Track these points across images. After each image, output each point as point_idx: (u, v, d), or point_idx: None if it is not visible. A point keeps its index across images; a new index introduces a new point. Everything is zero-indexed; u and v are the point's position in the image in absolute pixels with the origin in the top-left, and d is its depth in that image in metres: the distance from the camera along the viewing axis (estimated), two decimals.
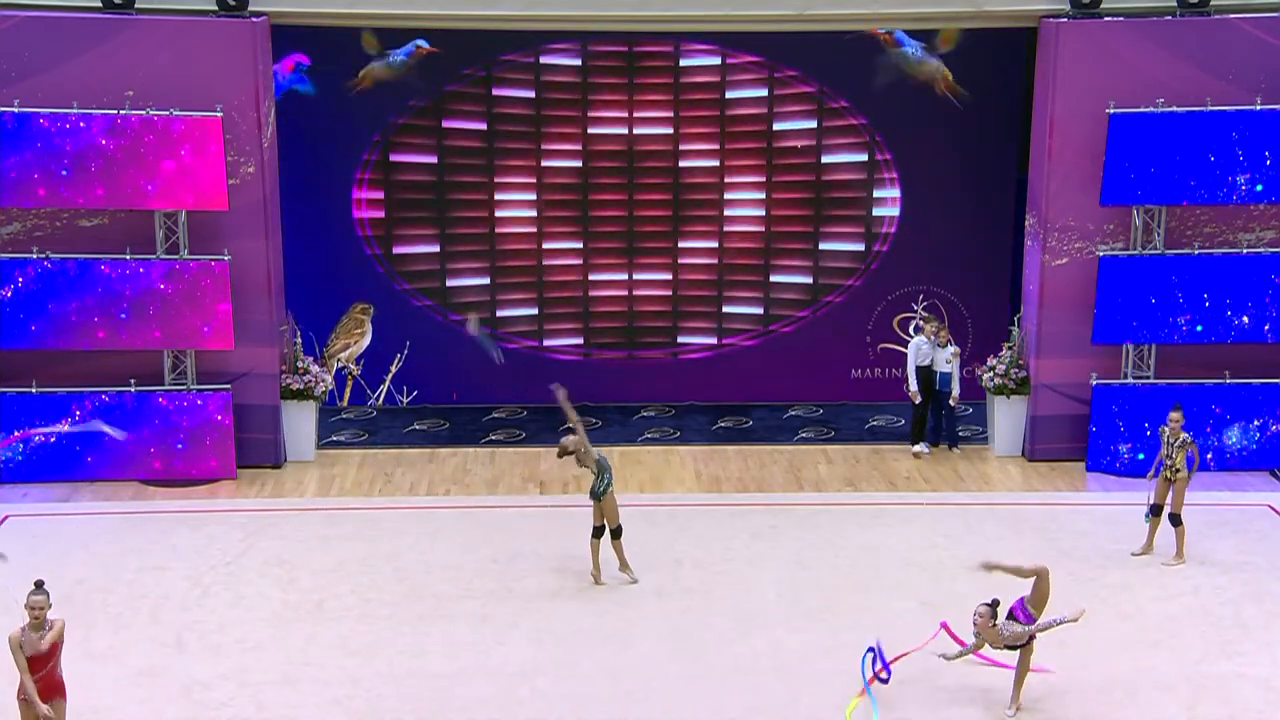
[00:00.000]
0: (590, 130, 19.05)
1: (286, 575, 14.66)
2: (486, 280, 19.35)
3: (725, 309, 19.57)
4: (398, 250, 19.16)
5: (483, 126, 18.93)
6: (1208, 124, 16.55)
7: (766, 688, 12.53)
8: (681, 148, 19.12)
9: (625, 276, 19.48)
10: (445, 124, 18.89)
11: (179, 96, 16.27)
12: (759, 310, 19.56)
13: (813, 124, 19.06)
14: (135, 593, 14.25)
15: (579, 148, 19.08)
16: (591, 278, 19.45)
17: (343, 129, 18.69)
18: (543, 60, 18.80)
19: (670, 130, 19.07)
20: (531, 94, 18.89)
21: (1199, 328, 17.00)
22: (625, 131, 19.05)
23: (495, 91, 18.86)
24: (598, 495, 14.27)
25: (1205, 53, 16.68)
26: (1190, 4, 16.76)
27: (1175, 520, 14.78)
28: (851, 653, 13.08)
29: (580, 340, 19.59)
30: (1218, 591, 14.30)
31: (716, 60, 18.92)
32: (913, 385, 17.73)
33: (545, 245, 19.31)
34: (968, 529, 15.80)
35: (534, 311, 19.48)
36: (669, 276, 19.48)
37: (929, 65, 18.65)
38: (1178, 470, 14.71)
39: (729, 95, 18.99)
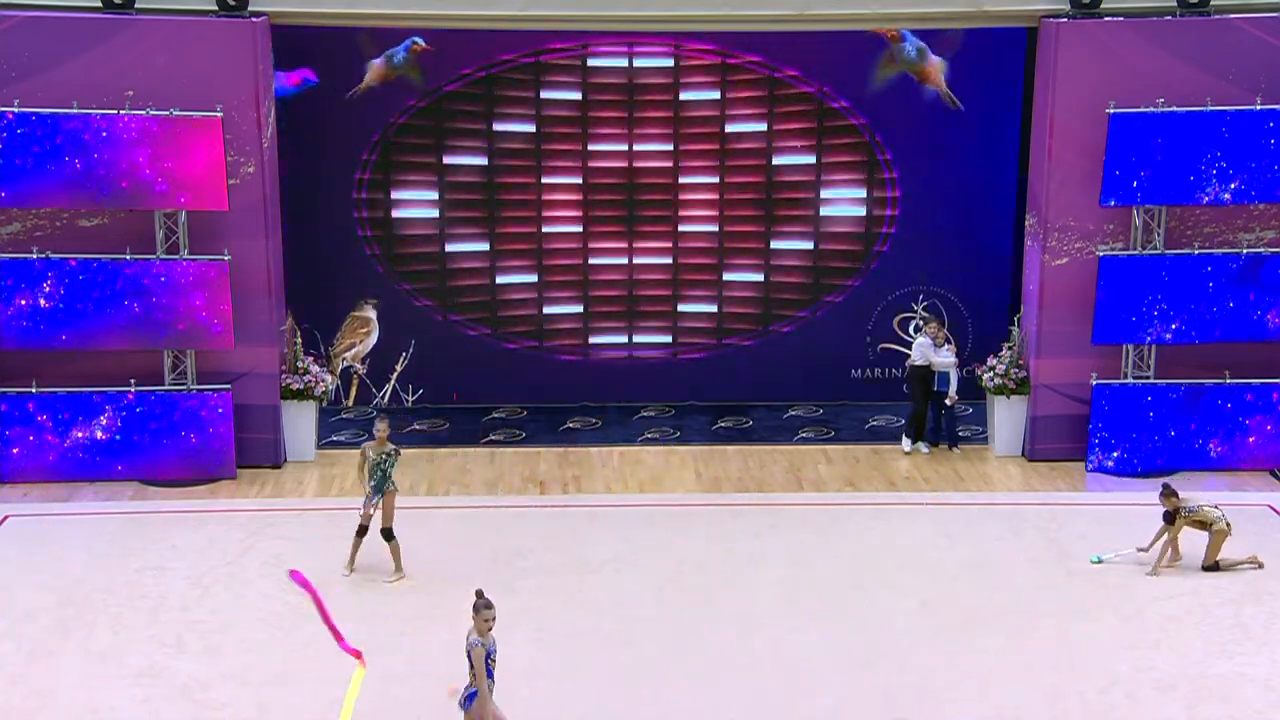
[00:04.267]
0: (591, 131, 19.03)
1: (286, 575, 14.65)
2: (487, 280, 19.34)
3: (726, 308, 19.56)
4: (398, 250, 19.15)
5: (483, 126, 18.93)
6: (1208, 124, 16.55)
7: (766, 688, 12.53)
8: (683, 145, 19.11)
9: (625, 273, 19.45)
10: (445, 124, 18.88)
11: (179, 96, 16.27)
12: (758, 310, 19.56)
13: (812, 124, 19.04)
14: (135, 593, 14.25)
15: (579, 147, 19.07)
16: (592, 275, 19.43)
17: (343, 129, 18.69)
18: (543, 60, 18.79)
19: (670, 132, 19.07)
20: (533, 94, 18.89)
21: (1199, 328, 17.00)
22: (625, 132, 19.03)
23: (495, 91, 18.85)
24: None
25: (1205, 53, 16.68)
26: (1190, 4, 16.76)
27: (1215, 568, 14.64)
28: (852, 652, 13.10)
29: (579, 340, 19.57)
30: (1218, 591, 14.30)
31: (717, 60, 18.91)
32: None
33: (545, 247, 19.31)
34: (968, 529, 15.80)
35: (535, 312, 19.47)
36: (668, 276, 19.47)
37: (928, 65, 18.63)
38: (1211, 524, 14.50)
39: (728, 96, 18.98)
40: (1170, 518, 14.57)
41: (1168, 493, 14.59)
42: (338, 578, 14.56)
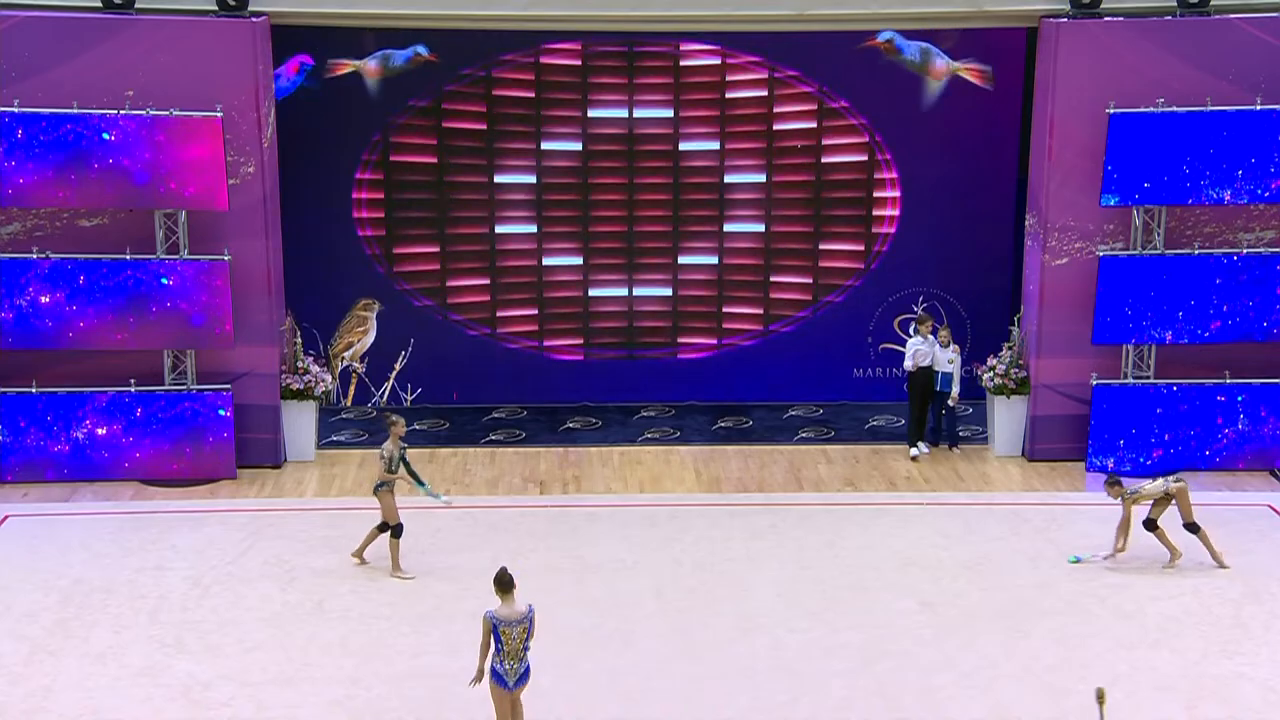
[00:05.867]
0: (590, 131, 19.05)
1: (286, 575, 14.67)
2: (487, 280, 19.35)
3: (725, 309, 19.56)
4: (398, 250, 19.15)
5: (483, 126, 18.92)
6: (1208, 124, 16.55)
7: (766, 688, 12.54)
8: (682, 148, 19.12)
9: (625, 276, 19.47)
10: (445, 124, 18.89)
11: (179, 96, 16.28)
12: (759, 310, 19.56)
13: (813, 124, 19.05)
14: (135, 593, 14.26)
15: (579, 148, 19.08)
16: (592, 277, 19.44)
17: (343, 129, 18.69)
18: (543, 60, 18.80)
19: (671, 131, 19.07)
20: (532, 94, 18.88)
21: (1199, 328, 17.01)
22: (626, 132, 19.05)
23: (495, 92, 18.85)
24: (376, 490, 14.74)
25: (1205, 53, 16.68)
26: (1190, 4, 16.76)
27: (1194, 528, 14.72)
28: (851, 653, 13.11)
29: (580, 340, 19.59)
30: (1218, 591, 14.31)
31: (716, 60, 18.92)
32: (909, 363, 17.72)
33: (546, 245, 19.30)
34: (968, 529, 15.80)
35: (534, 311, 19.48)
36: (669, 277, 19.48)
37: (935, 64, 18.63)
38: (1167, 493, 14.60)
39: (729, 95, 18.99)
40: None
41: (1112, 481, 14.70)
42: (339, 578, 14.57)
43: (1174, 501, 14.64)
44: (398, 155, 18.90)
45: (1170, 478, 14.82)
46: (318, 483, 17.15)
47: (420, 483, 14.79)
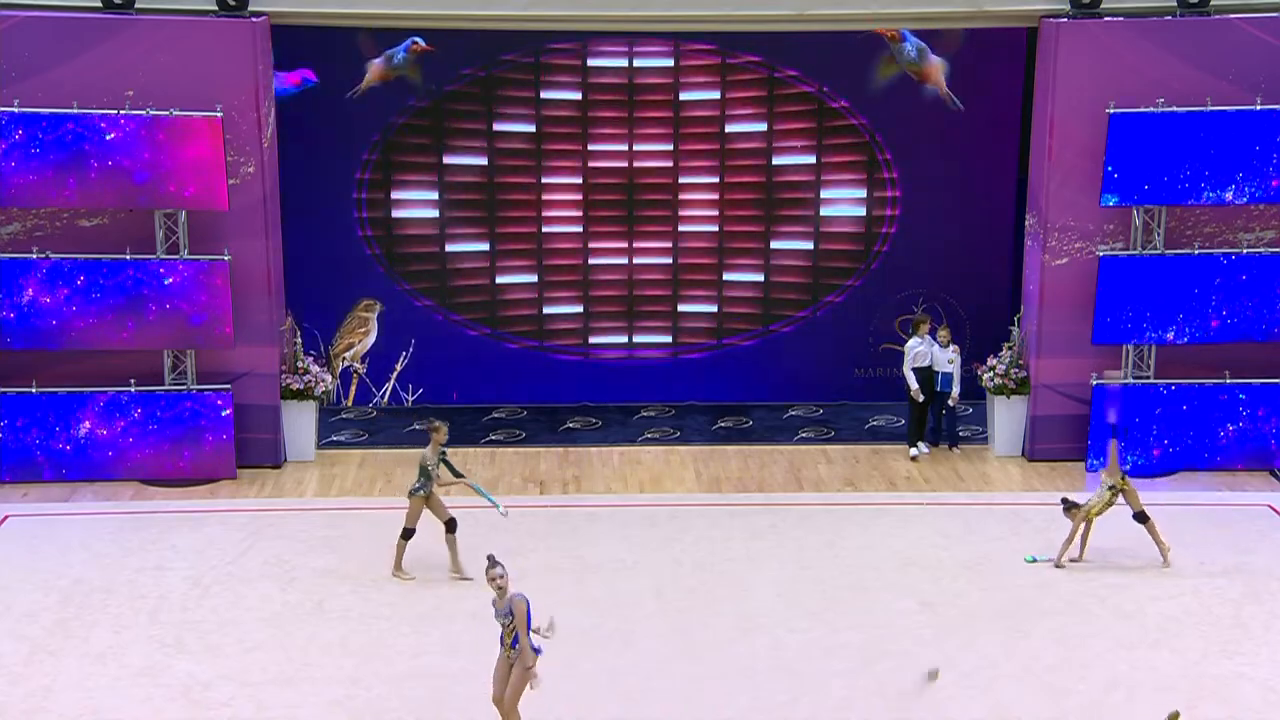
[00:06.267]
0: (591, 132, 19.03)
1: (286, 575, 14.67)
2: (487, 280, 19.35)
3: (726, 308, 19.56)
4: (398, 250, 19.16)
5: (483, 126, 18.93)
6: (1208, 124, 16.55)
7: (766, 688, 12.54)
8: (683, 145, 19.12)
9: (625, 273, 19.48)
10: (446, 124, 18.89)
11: (179, 96, 16.27)
12: (758, 310, 19.57)
13: (812, 124, 19.05)
14: (135, 593, 14.26)
15: (579, 147, 19.07)
16: (592, 275, 19.46)
17: (343, 129, 18.69)
18: (544, 60, 18.80)
19: (671, 132, 19.07)
20: (532, 93, 18.89)
21: (1199, 328, 17.00)
22: (625, 133, 19.04)
23: (497, 91, 18.86)
24: (411, 493, 14.54)
25: (1205, 53, 16.68)
26: (1190, 4, 16.76)
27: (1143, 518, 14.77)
28: (851, 653, 13.11)
29: (580, 340, 19.61)
30: (1218, 591, 14.31)
31: (717, 60, 18.93)
32: (913, 385, 17.72)
33: (546, 246, 19.31)
34: (968, 529, 15.81)
35: (535, 312, 19.48)
36: (667, 275, 19.48)
37: (928, 65, 18.66)
38: (1112, 492, 14.62)
39: (728, 96, 18.99)
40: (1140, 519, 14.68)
41: (1069, 506, 14.74)
42: (339, 578, 14.57)
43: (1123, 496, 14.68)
44: (398, 155, 18.90)
45: (1104, 478, 14.76)
46: (318, 483, 17.15)
47: (473, 486, 14.62)
